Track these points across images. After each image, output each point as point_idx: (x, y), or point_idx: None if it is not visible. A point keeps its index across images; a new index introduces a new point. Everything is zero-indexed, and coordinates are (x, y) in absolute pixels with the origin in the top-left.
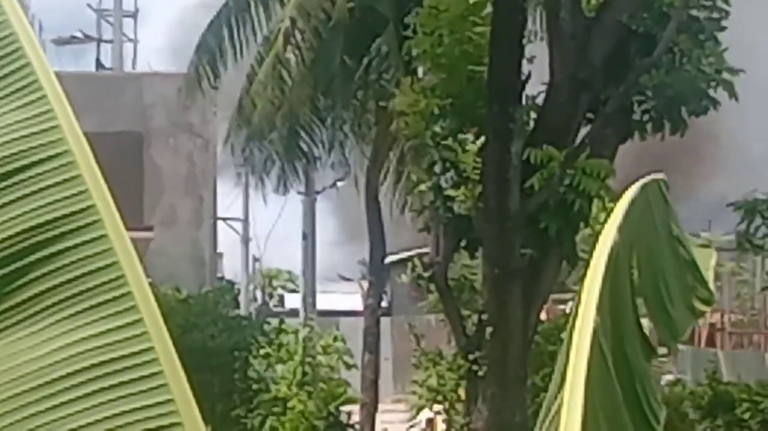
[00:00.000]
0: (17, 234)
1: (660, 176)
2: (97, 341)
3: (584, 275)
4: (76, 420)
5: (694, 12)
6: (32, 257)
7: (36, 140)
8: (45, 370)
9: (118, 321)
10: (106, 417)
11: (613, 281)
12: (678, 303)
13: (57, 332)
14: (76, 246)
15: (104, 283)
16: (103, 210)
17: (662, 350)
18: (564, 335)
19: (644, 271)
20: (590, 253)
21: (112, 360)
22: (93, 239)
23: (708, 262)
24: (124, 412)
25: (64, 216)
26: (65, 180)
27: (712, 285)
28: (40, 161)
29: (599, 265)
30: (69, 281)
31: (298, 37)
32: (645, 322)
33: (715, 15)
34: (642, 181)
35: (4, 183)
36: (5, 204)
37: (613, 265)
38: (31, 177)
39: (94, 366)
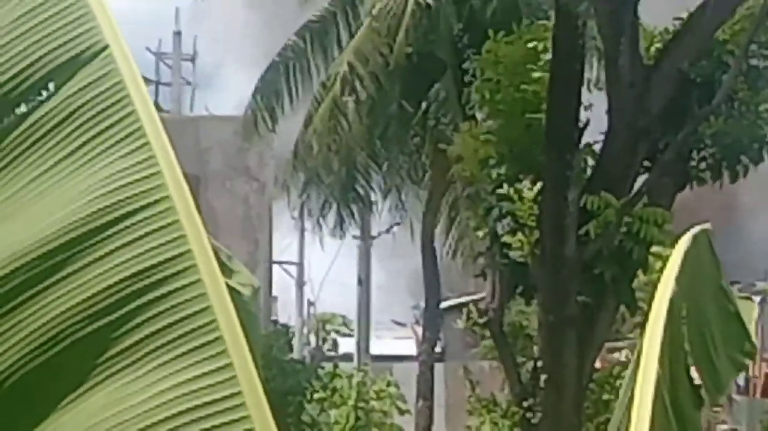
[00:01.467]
0: (120, 281)
1: (707, 225)
2: (192, 385)
3: (643, 323)
4: None
5: (753, 61)
6: (133, 305)
7: (138, 187)
8: (146, 414)
9: (210, 366)
10: None
11: (671, 331)
12: (722, 355)
13: (158, 376)
14: (173, 292)
15: (199, 327)
16: (199, 255)
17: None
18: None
19: (692, 321)
20: (649, 302)
21: (204, 404)
22: (189, 284)
23: (750, 315)
24: None
25: (163, 262)
26: (163, 227)
27: (754, 338)
28: (141, 208)
29: (660, 314)
30: (167, 326)
31: (356, 81)
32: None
33: None
34: (692, 231)
35: (110, 231)
36: (110, 252)
37: (672, 315)
38: (132, 224)
39: (188, 410)
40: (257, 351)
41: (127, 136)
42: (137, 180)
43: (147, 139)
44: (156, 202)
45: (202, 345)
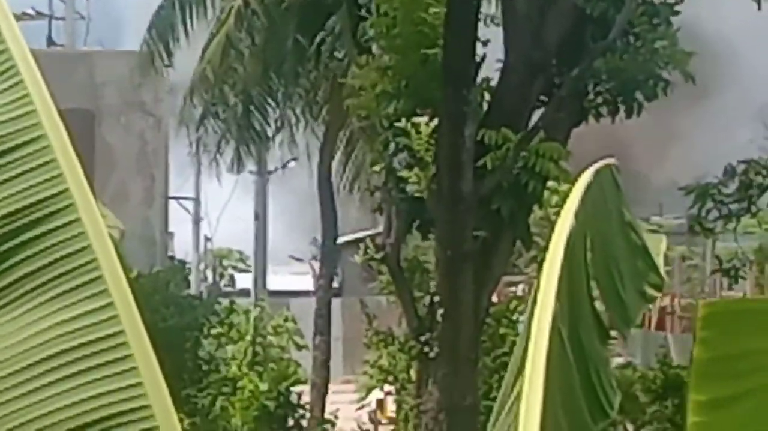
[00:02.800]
0: None
1: (612, 161)
2: (71, 325)
3: (541, 259)
4: (51, 404)
5: None
6: (10, 243)
7: (12, 126)
8: (22, 355)
9: (91, 304)
10: (81, 400)
11: (570, 266)
12: (630, 288)
13: (35, 317)
14: (51, 231)
15: (78, 266)
16: (77, 194)
17: (613, 333)
18: (518, 318)
19: (597, 256)
20: (547, 237)
21: (85, 344)
22: (67, 223)
23: (658, 247)
24: (96, 395)
25: (40, 201)
26: (40, 165)
27: (662, 271)
28: (17, 147)
29: (557, 250)
30: (45, 266)
31: (250, 16)
32: (598, 305)
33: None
34: (595, 166)
35: None
36: None
37: (571, 251)
38: (7, 163)
39: (67, 350)
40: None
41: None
42: (11, 119)
43: (20, 77)
44: (31, 141)
45: (83, 284)
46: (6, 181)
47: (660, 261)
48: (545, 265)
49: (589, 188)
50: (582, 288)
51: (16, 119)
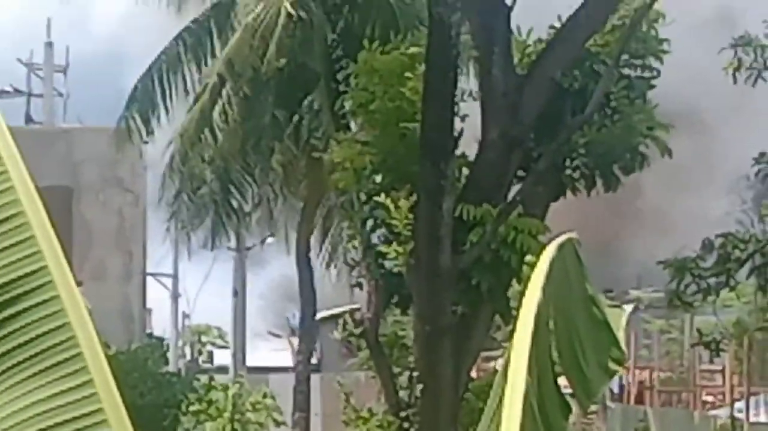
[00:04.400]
0: None
1: (573, 234)
2: (50, 403)
3: (511, 332)
4: None
5: (625, 70)
6: None
7: None
8: None
9: (70, 383)
10: None
11: (538, 340)
12: (592, 362)
13: (13, 395)
14: (29, 308)
15: (57, 344)
16: (55, 271)
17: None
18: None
19: (560, 330)
20: (516, 311)
21: (64, 422)
22: (46, 301)
23: (619, 321)
24: None
25: (18, 278)
26: (18, 242)
27: (623, 345)
28: None
29: (527, 323)
30: (23, 343)
31: (227, 93)
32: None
33: (646, 74)
34: (557, 240)
35: None
36: None
37: (539, 324)
38: None
39: (46, 429)
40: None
41: None
42: None
43: None
44: (9, 217)
45: (61, 362)
46: None
47: (621, 335)
48: (515, 339)
49: (553, 262)
50: (548, 364)
51: None
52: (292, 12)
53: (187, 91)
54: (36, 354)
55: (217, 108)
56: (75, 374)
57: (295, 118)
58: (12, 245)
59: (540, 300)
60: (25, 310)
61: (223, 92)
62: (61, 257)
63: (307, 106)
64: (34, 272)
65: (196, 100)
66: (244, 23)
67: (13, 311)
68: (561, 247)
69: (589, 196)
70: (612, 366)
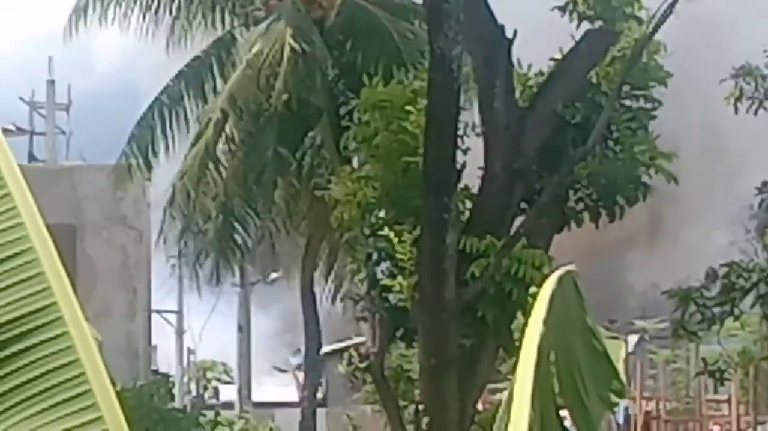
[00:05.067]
0: None
1: (572, 267)
2: None
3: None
4: None
5: (626, 102)
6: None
7: (2, 238)
8: None
9: (79, 419)
10: None
11: (540, 373)
12: (592, 394)
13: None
14: (39, 344)
15: (66, 380)
16: (65, 307)
17: None
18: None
19: (561, 362)
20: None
21: None
22: (55, 336)
23: (618, 353)
24: None
25: (28, 314)
26: (28, 278)
27: (623, 376)
28: (4, 259)
29: (529, 356)
30: (33, 379)
31: (230, 128)
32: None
33: (648, 105)
34: (557, 273)
35: None
36: None
37: (541, 356)
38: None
39: None
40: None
41: None
42: (2, 230)
43: (8, 190)
44: (19, 253)
45: (71, 398)
46: None
47: (621, 367)
48: (518, 370)
49: (553, 294)
50: (550, 395)
51: (6, 231)
52: (296, 47)
53: (188, 128)
54: (46, 390)
55: (220, 144)
56: (85, 410)
57: (299, 153)
58: (21, 281)
59: (542, 333)
60: (34, 345)
61: (226, 128)
62: (71, 293)
63: (310, 142)
64: (43, 308)
65: (198, 137)
66: (246, 59)
67: (22, 347)
68: (561, 280)
69: (597, 228)
70: (612, 397)
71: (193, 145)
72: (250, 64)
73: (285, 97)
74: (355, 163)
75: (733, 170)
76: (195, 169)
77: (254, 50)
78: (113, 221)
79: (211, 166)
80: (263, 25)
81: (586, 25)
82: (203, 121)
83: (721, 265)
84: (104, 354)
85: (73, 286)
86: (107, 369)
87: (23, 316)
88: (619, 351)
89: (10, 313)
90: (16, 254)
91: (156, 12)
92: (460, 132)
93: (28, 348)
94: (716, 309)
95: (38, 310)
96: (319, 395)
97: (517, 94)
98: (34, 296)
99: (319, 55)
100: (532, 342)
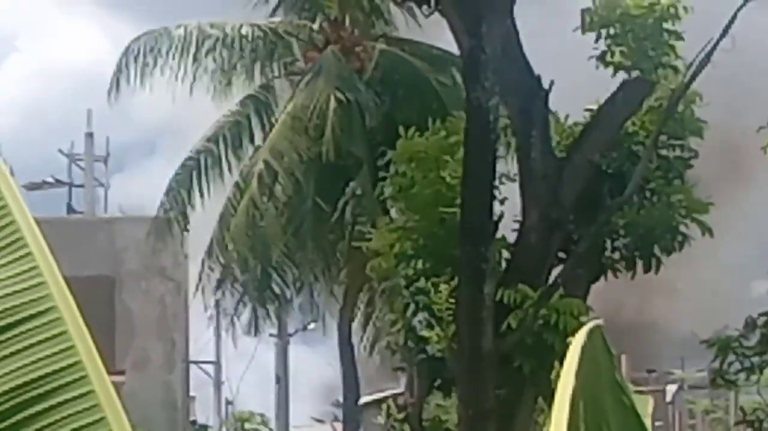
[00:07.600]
0: (9, 391)
1: (600, 322)
2: None
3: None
4: None
5: (663, 151)
6: (23, 415)
7: (24, 297)
8: None
9: None
10: None
11: (572, 427)
12: None
13: None
14: (63, 403)
15: None
16: (89, 365)
17: None
18: None
19: (590, 417)
20: (550, 397)
21: None
22: (80, 395)
23: (645, 409)
24: None
25: (52, 373)
26: (53, 336)
27: None
28: (29, 318)
29: (563, 411)
30: None
31: (271, 180)
32: None
33: (685, 154)
34: (586, 327)
35: None
36: None
37: (573, 410)
38: (21, 333)
39: None
40: None
41: (7, 245)
42: (24, 289)
43: (28, 249)
44: (42, 312)
45: None
46: (16, 352)
47: (648, 423)
48: (553, 425)
49: (583, 348)
50: None
51: (24, 291)
52: (342, 98)
53: (222, 179)
54: None
55: (260, 194)
56: None
57: (339, 203)
58: (46, 340)
59: (574, 386)
60: (59, 404)
61: (267, 178)
62: (95, 352)
63: (350, 192)
64: (68, 366)
65: (237, 187)
66: (288, 111)
67: (47, 406)
68: (590, 333)
69: (633, 278)
70: None
71: (232, 196)
72: (294, 116)
73: (325, 148)
74: (393, 213)
75: None
76: (236, 219)
77: (296, 102)
78: (152, 272)
79: (251, 217)
80: (305, 77)
81: (622, 75)
82: (244, 171)
83: (760, 314)
84: (139, 407)
85: (111, 338)
86: (134, 427)
87: (48, 374)
88: (645, 406)
89: (33, 372)
90: (38, 314)
91: (196, 65)
92: (497, 182)
93: (52, 407)
94: (755, 359)
95: (62, 369)
96: None
97: (554, 144)
98: (59, 354)
99: (363, 105)
100: (565, 395)
